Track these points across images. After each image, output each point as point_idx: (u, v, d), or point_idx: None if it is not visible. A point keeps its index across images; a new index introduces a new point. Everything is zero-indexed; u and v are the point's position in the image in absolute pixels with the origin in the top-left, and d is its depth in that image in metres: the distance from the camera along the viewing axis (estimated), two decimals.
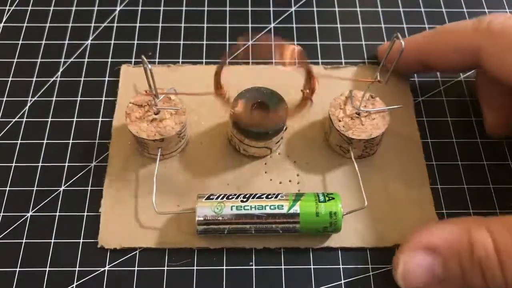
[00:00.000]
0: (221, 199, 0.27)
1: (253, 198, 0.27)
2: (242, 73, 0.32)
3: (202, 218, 0.26)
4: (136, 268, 0.27)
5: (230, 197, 0.27)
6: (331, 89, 0.30)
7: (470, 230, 0.23)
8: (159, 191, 0.28)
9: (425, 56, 0.30)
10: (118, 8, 0.36)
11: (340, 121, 0.28)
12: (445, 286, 0.24)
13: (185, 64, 0.33)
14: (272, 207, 0.26)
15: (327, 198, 0.26)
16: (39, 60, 0.34)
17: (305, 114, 0.31)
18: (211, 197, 0.27)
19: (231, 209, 0.26)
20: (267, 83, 0.29)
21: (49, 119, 0.31)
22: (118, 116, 0.31)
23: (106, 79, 0.33)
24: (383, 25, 0.36)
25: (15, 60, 0.34)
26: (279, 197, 0.27)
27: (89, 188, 0.29)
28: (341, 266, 0.27)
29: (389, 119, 0.28)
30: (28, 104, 0.32)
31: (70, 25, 0.35)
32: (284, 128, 0.29)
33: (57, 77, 0.33)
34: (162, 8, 0.36)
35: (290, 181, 0.29)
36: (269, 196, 0.27)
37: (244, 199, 0.26)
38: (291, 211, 0.26)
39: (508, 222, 0.23)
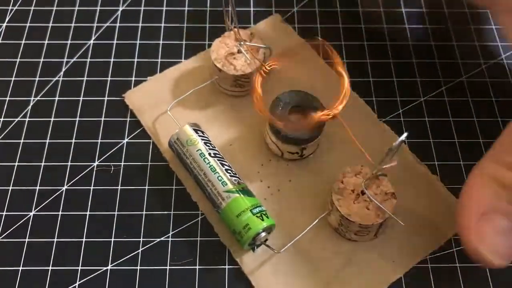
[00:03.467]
0: (200, 139, 0.28)
1: (218, 160, 0.27)
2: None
3: (175, 138, 0.28)
4: (138, 267, 0.27)
5: (208, 144, 0.28)
6: None
7: (487, 174, 0.23)
8: (186, 105, 0.31)
9: None
10: (120, 8, 0.36)
11: (342, 182, 0.26)
12: None
13: None
14: (219, 178, 0.27)
15: (258, 215, 0.26)
16: (41, 60, 0.34)
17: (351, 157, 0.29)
18: (198, 131, 0.28)
19: (196, 151, 0.27)
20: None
21: (52, 119, 0.31)
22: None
23: (109, 79, 0.33)
24: (385, 26, 0.36)
25: (18, 60, 0.34)
26: (233, 179, 0.27)
27: (92, 187, 0.29)
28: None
29: (379, 225, 0.26)
30: (31, 104, 0.32)
31: (72, 25, 0.35)
32: (302, 148, 0.28)
33: (59, 77, 0.33)
34: (164, 8, 0.36)
35: (268, 187, 0.29)
36: (228, 171, 0.27)
37: (212, 155, 0.27)
38: (225, 194, 0.26)
39: (502, 145, 0.24)
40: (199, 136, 0.28)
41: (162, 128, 0.31)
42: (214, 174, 0.27)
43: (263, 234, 0.26)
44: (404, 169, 0.29)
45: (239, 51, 0.31)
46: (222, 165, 0.27)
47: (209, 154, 0.27)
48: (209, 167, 0.27)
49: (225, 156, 0.28)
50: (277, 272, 0.26)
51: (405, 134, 0.22)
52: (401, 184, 0.28)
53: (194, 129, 0.28)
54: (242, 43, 0.30)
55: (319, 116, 0.27)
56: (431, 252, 0.27)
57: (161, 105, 0.31)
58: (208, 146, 0.28)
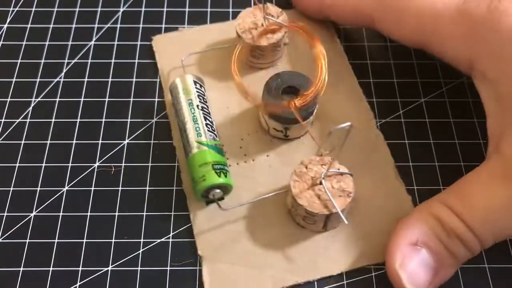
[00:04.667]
0: (196, 90, 0.29)
1: (204, 114, 0.29)
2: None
3: (175, 83, 0.30)
4: (139, 268, 0.27)
5: (200, 97, 0.29)
6: None
7: (431, 212, 0.25)
8: (202, 63, 0.33)
9: (328, 12, 0.33)
10: (121, 9, 0.36)
11: (306, 167, 0.26)
12: (441, 277, 0.25)
13: None
14: (197, 128, 0.28)
15: (218, 171, 0.27)
16: (42, 61, 0.34)
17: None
18: (197, 83, 0.30)
19: (187, 99, 0.29)
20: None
21: (53, 120, 0.31)
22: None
23: (110, 80, 0.33)
24: None
25: (19, 61, 0.34)
26: (209, 134, 0.28)
27: (93, 188, 0.29)
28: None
29: (325, 217, 0.26)
30: (32, 105, 0.32)
31: (73, 26, 0.35)
32: (285, 127, 0.29)
33: (60, 78, 0.33)
34: (165, 9, 0.36)
35: (245, 154, 0.30)
36: (208, 126, 0.28)
37: (199, 108, 0.29)
38: (196, 144, 0.28)
39: (456, 190, 0.26)
40: (196, 88, 0.29)
41: (175, 77, 0.31)
42: (194, 124, 0.28)
43: (218, 191, 0.27)
44: (382, 179, 0.29)
45: (263, 25, 0.31)
46: (205, 119, 0.29)
47: (197, 106, 0.29)
48: (192, 116, 0.28)
49: (218, 117, 0.30)
50: (221, 235, 0.27)
51: (348, 123, 0.22)
52: (371, 191, 0.29)
53: (194, 81, 0.30)
54: (267, 17, 0.31)
55: (294, 102, 0.28)
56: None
57: (182, 55, 0.32)
58: (200, 99, 0.29)
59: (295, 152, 0.30)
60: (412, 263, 0.24)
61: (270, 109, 0.28)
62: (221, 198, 0.28)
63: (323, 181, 0.26)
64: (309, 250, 0.27)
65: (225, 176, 0.27)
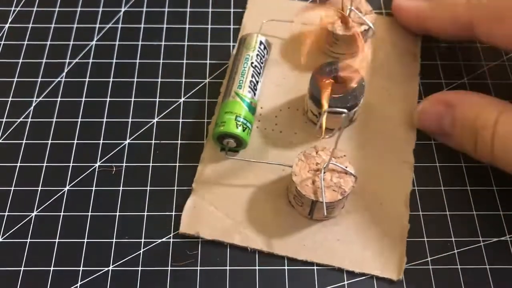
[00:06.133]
0: (258, 50, 0.31)
1: (254, 71, 0.30)
2: None
3: (244, 37, 0.32)
4: (140, 268, 0.27)
5: (259, 57, 0.31)
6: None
7: (484, 105, 0.26)
8: (285, 33, 0.35)
9: (426, 25, 0.32)
10: (122, 9, 0.36)
11: (316, 153, 0.27)
12: (446, 140, 0.28)
13: None
14: (241, 81, 0.30)
15: (239, 123, 0.28)
16: (44, 60, 0.34)
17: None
18: (262, 44, 0.32)
19: (246, 54, 0.31)
20: None
21: (54, 120, 0.31)
22: None
23: (111, 80, 0.33)
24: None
25: (20, 60, 0.34)
26: (249, 90, 0.30)
27: (93, 188, 0.29)
28: (344, 267, 0.27)
29: (311, 202, 0.26)
30: (33, 105, 0.32)
31: (75, 26, 0.35)
32: (319, 112, 0.29)
33: (62, 78, 0.33)
34: (166, 10, 0.36)
35: (276, 124, 0.31)
36: (252, 83, 0.30)
37: (253, 66, 0.30)
38: (233, 94, 0.29)
39: None
40: (259, 48, 0.31)
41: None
42: (241, 76, 0.30)
43: (231, 140, 0.29)
44: (391, 200, 0.29)
45: (348, 15, 0.32)
46: (252, 76, 0.30)
47: (252, 63, 0.31)
48: (242, 70, 0.30)
49: (270, 83, 0.32)
50: (218, 181, 0.29)
51: (345, 110, 0.23)
52: (375, 205, 0.29)
53: (260, 41, 0.32)
54: (353, 9, 0.32)
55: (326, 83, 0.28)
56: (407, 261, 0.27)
57: (266, 19, 0.34)
58: (258, 59, 0.31)
59: (321, 141, 0.30)
60: (433, 110, 0.26)
61: (316, 78, 0.29)
62: (235, 150, 0.30)
63: (323, 170, 0.26)
64: (288, 228, 0.28)
65: (243, 131, 0.29)
